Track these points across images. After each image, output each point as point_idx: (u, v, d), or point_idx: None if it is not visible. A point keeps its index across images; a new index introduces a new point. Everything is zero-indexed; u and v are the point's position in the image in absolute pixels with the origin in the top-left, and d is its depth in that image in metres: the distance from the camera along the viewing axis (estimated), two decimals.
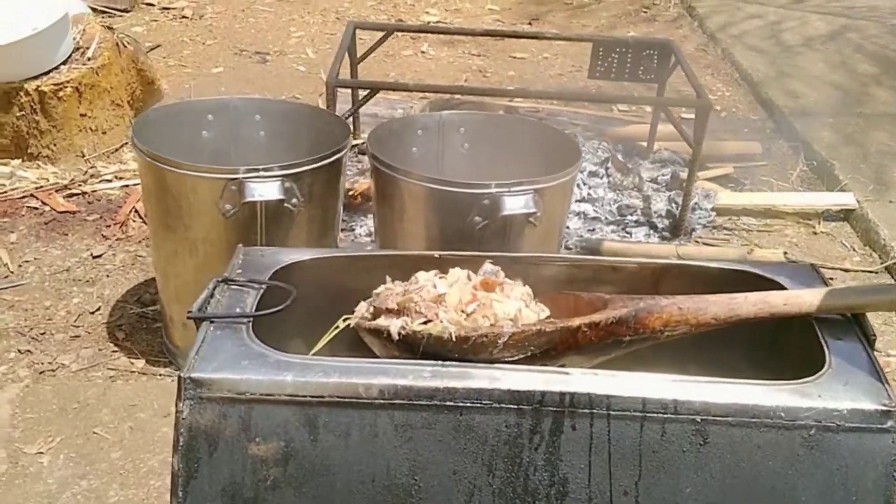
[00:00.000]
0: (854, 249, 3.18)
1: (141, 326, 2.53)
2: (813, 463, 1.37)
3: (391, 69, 4.61)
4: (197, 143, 2.46)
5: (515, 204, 2.11)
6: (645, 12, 5.88)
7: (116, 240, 2.93)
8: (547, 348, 1.48)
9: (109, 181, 3.26)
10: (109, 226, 2.99)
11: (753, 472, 1.37)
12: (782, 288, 1.65)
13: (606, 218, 3.19)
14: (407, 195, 2.21)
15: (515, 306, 1.54)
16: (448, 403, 1.37)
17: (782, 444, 1.37)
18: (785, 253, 3.02)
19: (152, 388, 2.29)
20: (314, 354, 1.56)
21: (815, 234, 3.28)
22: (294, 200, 2.14)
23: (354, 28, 3.41)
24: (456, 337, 1.43)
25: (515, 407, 1.37)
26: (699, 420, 1.37)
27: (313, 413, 1.37)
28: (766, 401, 1.37)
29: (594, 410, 1.37)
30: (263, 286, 1.59)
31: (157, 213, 2.22)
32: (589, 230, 3.12)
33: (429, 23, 5.39)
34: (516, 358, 1.46)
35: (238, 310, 1.52)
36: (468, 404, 1.37)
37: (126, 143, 3.51)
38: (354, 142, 3.15)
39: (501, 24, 5.50)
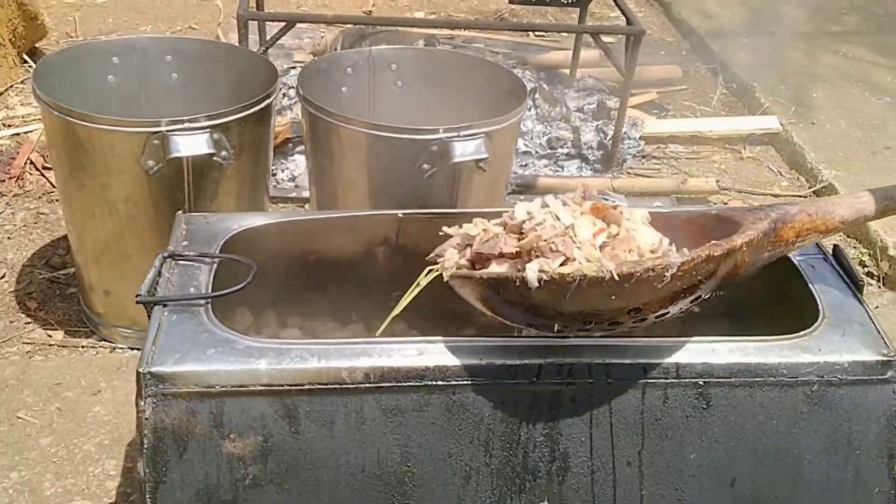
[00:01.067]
0: (781, 174, 3.19)
1: (54, 293, 2.31)
2: (816, 419, 1.33)
3: None
4: (103, 90, 2.23)
5: (466, 149, 1.98)
6: None
7: (13, 196, 2.67)
8: (706, 278, 1.26)
9: None
10: (3, 180, 2.72)
11: (757, 432, 1.32)
12: None
13: (537, 152, 3.10)
14: (346, 142, 2.05)
15: (655, 236, 1.32)
16: (439, 383, 1.27)
17: (785, 401, 1.32)
18: (717, 181, 2.99)
19: (76, 362, 2.10)
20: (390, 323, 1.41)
21: (741, 159, 3.27)
22: (223, 153, 1.95)
23: None
24: (618, 275, 1.18)
25: (511, 382, 1.28)
26: (701, 383, 1.31)
27: (293, 403, 1.24)
28: (768, 358, 1.32)
29: (594, 380, 1.29)
30: (216, 260, 1.43)
31: (68, 171, 2.00)
32: (521, 165, 3.02)
33: None
34: (681, 289, 1.24)
35: (192, 290, 1.36)
36: (461, 382, 1.27)
37: (11, 87, 3.20)
38: None
39: None
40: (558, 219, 1.27)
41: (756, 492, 1.34)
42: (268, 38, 2.91)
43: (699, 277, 1.24)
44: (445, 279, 1.33)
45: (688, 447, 1.32)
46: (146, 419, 1.22)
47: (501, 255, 1.26)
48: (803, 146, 3.20)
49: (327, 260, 1.68)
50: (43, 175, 2.75)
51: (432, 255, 1.38)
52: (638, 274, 1.18)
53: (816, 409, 1.32)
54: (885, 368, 1.33)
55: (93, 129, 1.89)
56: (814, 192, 3.04)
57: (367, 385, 1.25)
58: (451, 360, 1.27)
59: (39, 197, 2.67)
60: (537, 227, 1.27)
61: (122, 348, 2.15)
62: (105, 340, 2.17)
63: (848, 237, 2.83)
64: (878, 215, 1.46)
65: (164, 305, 1.32)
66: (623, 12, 2.97)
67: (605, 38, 3.06)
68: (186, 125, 1.89)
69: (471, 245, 1.33)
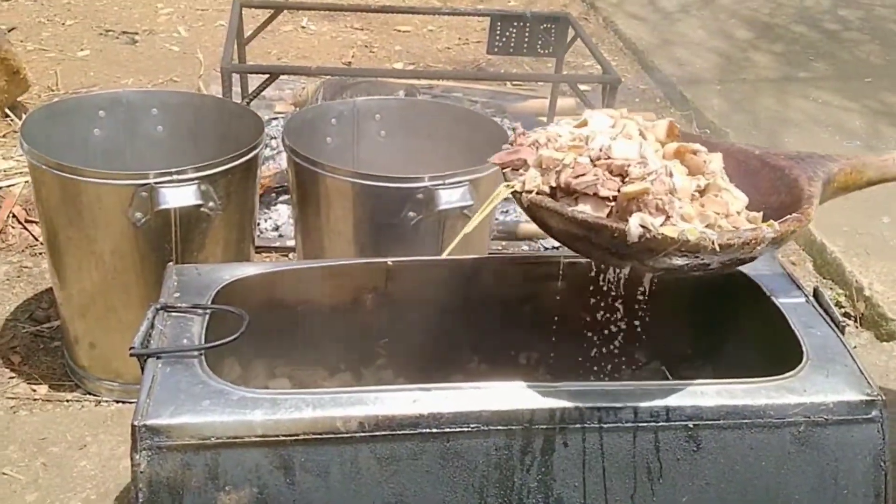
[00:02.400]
0: None
1: (38, 347, 2.30)
2: (804, 459, 1.35)
3: (272, 46, 4.39)
4: (89, 143, 2.24)
5: (451, 197, 2.02)
6: None
7: None
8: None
9: None
10: None
11: (747, 474, 1.34)
12: (744, 277, 1.62)
13: None
14: (333, 192, 2.08)
15: (742, 198, 1.34)
16: (433, 430, 1.28)
17: (773, 442, 1.34)
18: None
19: (61, 416, 2.08)
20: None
21: None
22: (211, 204, 1.97)
23: (241, 6, 3.20)
24: (719, 245, 1.19)
25: (504, 428, 1.29)
26: (691, 426, 1.33)
27: (288, 453, 1.25)
28: (755, 400, 1.34)
29: (586, 424, 1.31)
30: (208, 311, 1.44)
31: (54, 224, 2.01)
32: (502, 212, 3.05)
33: None
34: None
35: (185, 341, 1.37)
36: (454, 429, 1.28)
37: None
38: None
39: None
40: (671, 175, 1.25)
41: None
42: (250, 90, 2.94)
43: (778, 243, 1.29)
44: (523, 203, 1.31)
45: (680, 490, 1.33)
46: (141, 472, 1.22)
47: (592, 195, 1.25)
48: None
49: (316, 309, 1.69)
50: (26, 228, 2.75)
51: (500, 159, 1.38)
52: (736, 245, 1.21)
53: (804, 449, 1.35)
54: (870, 408, 1.36)
55: (80, 181, 1.90)
56: None
57: (362, 434, 1.26)
58: (445, 408, 1.28)
59: (22, 250, 2.67)
60: (647, 176, 1.24)
61: (107, 401, 2.14)
62: (90, 394, 2.16)
63: (824, 278, 2.88)
64: None
65: (158, 357, 1.32)
66: (599, 62, 3.04)
67: (582, 87, 3.12)
68: (174, 177, 1.91)
69: (553, 170, 1.30)
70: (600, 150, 1.31)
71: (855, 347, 2.51)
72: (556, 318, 1.83)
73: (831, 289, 2.81)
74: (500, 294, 1.78)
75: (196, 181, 1.93)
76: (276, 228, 2.85)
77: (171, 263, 1.58)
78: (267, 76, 2.74)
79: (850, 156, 1.55)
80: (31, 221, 2.78)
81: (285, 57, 4.31)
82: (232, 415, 1.24)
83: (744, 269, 1.64)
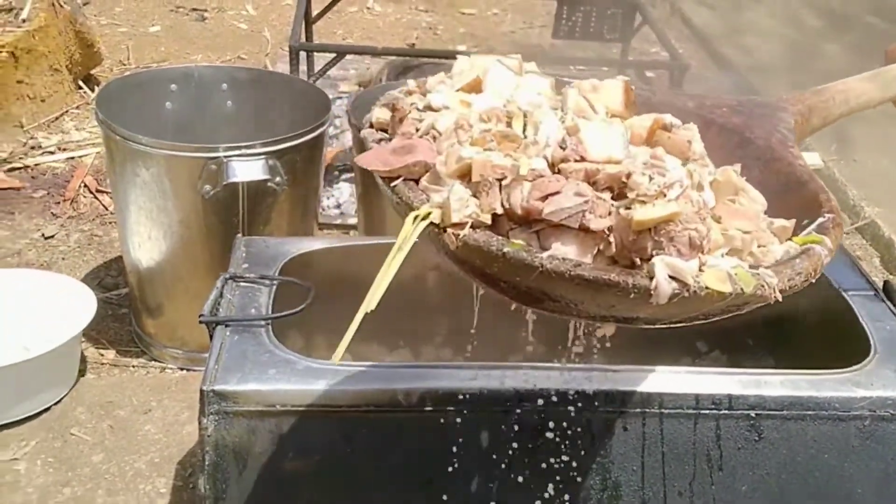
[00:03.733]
0: None
1: (106, 313, 2.36)
2: (868, 454, 1.33)
3: (338, 27, 4.43)
4: (161, 116, 2.29)
5: None
6: None
7: (68, 218, 2.73)
8: None
9: (52, 153, 3.05)
10: (59, 203, 2.79)
11: (809, 465, 1.33)
12: (827, 281, 1.60)
13: None
14: None
15: (761, 201, 0.95)
16: (494, 409, 1.29)
17: (837, 435, 1.32)
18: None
19: (127, 381, 2.14)
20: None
21: None
22: (278, 179, 2.00)
23: None
24: (780, 291, 0.84)
25: (565, 409, 1.29)
26: (754, 415, 1.31)
27: (350, 424, 1.27)
28: (820, 391, 1.32)
29: (646, 409, 1.30)
30: (275, 282, 1.46)
31: (126, 193, 2.06)
32: None
33: None
34: None
35: (253, 310, 1.40)
36: (514, 407, 1.29)
37: (66, 112, 3.28)
38: None
39: None
40: (701, 188, 0.84)
41: None
42: (316, 68, 2.97)
43: None
44: (448, 244, 0.89)
45: (739, 479, 1.32)
46: (208, 436, 1.25)
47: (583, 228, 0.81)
48: (846, 183, 3.20)
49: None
50: (96, 198, 2.82)
51: (376, 165, 0.95)
52: (797, 286, 0.86)
53: (868, 443, 1.33)
54: None
55: (152, 152, 1.95)
56: (856, 228, 3.03)
57: (422, 408, 1.27)
58: (504, 385, 1.29)
59: (93, 219, 2.74)
60: (668, 189, 0.82)
61: (171, 368, 2.19)
62: (155, 360, 2.22)
63: (891, 273, 2.82)
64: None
65: (227, 325, 1.35)
66: (666, 47, 3.01)
67: (648, 73, 3.09)
68: (243, 151, 1.94)
69: (495, 185, 0.84)
70: (562, 144, 0.89)
71: None
72: None
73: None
74: None
75: (264, 156, 1.96)
76: (338, 206, 2.88)
77: (239, 235, 1.60)
78: (333, 55, 2.76)
79: (794, 100, 1.29)
80: (102, 191, 2.85)
81: (350, 37, 4.34)
82: (297, 384, 1.26)
83: None
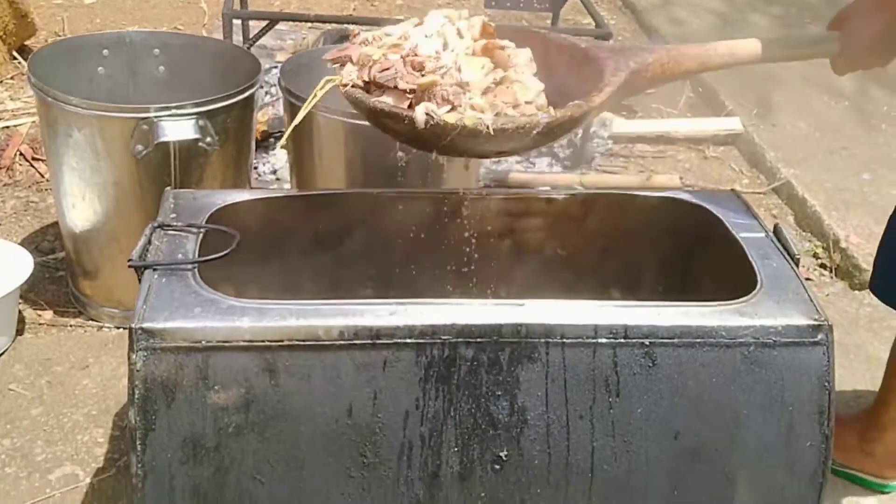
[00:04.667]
0: (742, 172, 3.33)
1: (43, 276, 2.41)
2: (753, 378, 1.45)
3: None
4: (93, 80, 2.34)
5: None
6: None
7: (3, 185, 2.76)
8: (565, 129, 1.50)
9: None
10: None
11: (699, 389, 1.44)
12: (711, 214, 1.72)
13: None
14: (325, 132, 2.17)
15: (536, 88, 1.47)
16: (408, 341, 1.38)
17: (724, 361, 1.44)
18: (680, 178, 3.13)
19: (65, 339, 2.20)
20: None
21: (705, 158, 3.41)
22: (209, 139, 2.07)
23: None
24: (493, 129, 1.37)
25: (475, 341, 1.39)
26: (647, 343, 1.42)
27: (273, 358, 1.35)
28: (708, 321, 1.43)
29: (549, 339, 1.40)
30: (202, 230, 1.54)
31: (59, 156, 2.10)
32: (494, 162, 3.14)
33: None
34: (542, 136, 1.45)
35: (180, 256, 1.47)
36: (427, 341, 1.38)
37: (1, 82, 3.29)
38: None
39: None
40: (459, 70, 1.40)
41: (697, 444, 1.45)
42: (251, 36, 3.02)
43: (559, 131, 1.47)
44: (343, 95, 1.49)
45: (635, 402, 1.43)
46: (137, 371, 1.32)
47: (396, 88, 1.39)
48: (764, 146, 3.34)
49: (306, 237, 1.79)
50: (32, 166, 2.85)
51: (331, 55, 1.53)
52: (510, 130, 1.38)
53: (753, 368, 1.44)
54: (816, 332, 1.45)
55: (85, 114, 2.00)
56: (772, 188, 3.18)
57: (342, 342, 1.36)
58: (419, 321, 1.38)
59: (29, 186, 2.77)
60: (439, 70, 1.39)
61: (108, 327, 2.25)
62: (93, 320, 2.27)
63: (804, 231, 2.98)
64: (722, 67, 1.65)
65: (154, 269, 1.42)
66: (592, 15, 3.11)
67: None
68: (174, 112, 2.00)
69: (367, 66, 1.44)
70: (410, 48, 1.45)
71: (828, 295, 2.62)
72: (532, 252, 1.93)
73: (810, 241, 2.91)
74: (480, 228, 1.88)
75: (194, 116, 2.02)
76: (274, 172, 2.94)
77: (168, 188, 1.67)
78: (267, 22, 2.81)
79: (667, 48, 1.62)
80: (38, 159, 2.87)
81: (287, 8, 4.37)
82: (222, 321, 1.34)
83: (710, 207, 1.74)
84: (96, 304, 2.27)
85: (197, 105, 2.02)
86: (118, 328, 2.24)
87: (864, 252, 2.74)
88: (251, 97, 2.16)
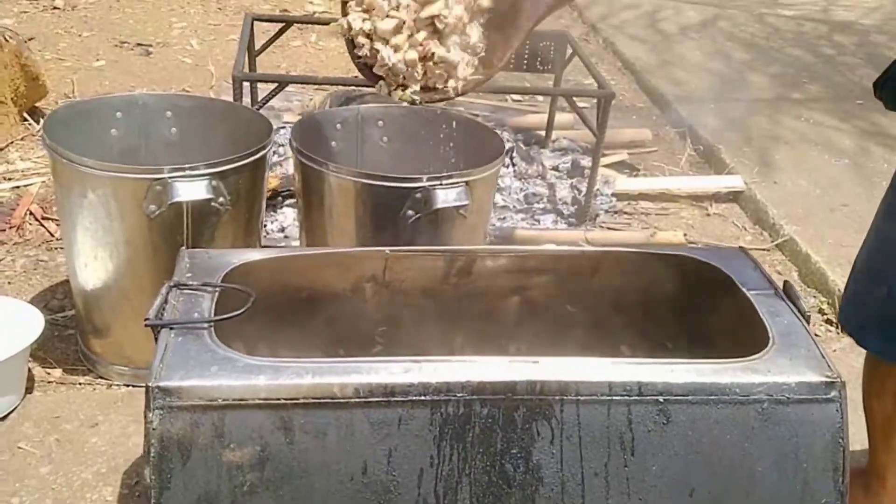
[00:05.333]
0: (745, 229, 3.36)
1: (52, 334, 2.41)
2: (766, 435, 1.45)
3: (281, 60, 4.53)
4: (106, 142, 2.37)
5: (447, 197, 2.13)
6: None
7: (14, 244, 2.78)
8: None
9: None
10: (4, 230, 2.83)
11: (713, 446, 1.44)
12: (721, 272, 1.74)
13: (515, 206, 3.25)
14: (337, 191, 2.19)
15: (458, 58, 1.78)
16: (423, 398, 1.38)
17: (738, 418, 1.44)
18: (685, 234, 3.16)
19: (74, 397, 2.19)
20: None
21: (708, 215, 3.44)
22: (221, 199, 2.09)
23: (252, 20, 3.34)
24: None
25: (490, 398, 1.39)
26: (661, 400, 1.43)
27: (288, 415, 1.36)
28: (722, 378, 1.44)
29: (564, 397, 1.41)
30: (218, 289, 1.55)
31: (73, 216, 2.12)
32: (500, 219, 3.17)
33: (314, 13, 5.33)
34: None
35: (196, 315, 1.48)
36: (442, 398, 1.39)
37: (12, 143, 3.33)
38: None
39: None
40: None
41: (713, 501, 1.45)
42: (259, 99, 3.07)
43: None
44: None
45: (650, 459, 1.43)
46: (153, 429, 1.32)
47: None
48: (766, 203, 3.37)
49: (318, 295, 1.81)
50: (42, 225, 2.87)
51: None
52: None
53: (767, 425, 1.45)
54: (829, 389, 1.46)
55: (99, 175, 2.02)
56: (776, 245, 3.20)
57: (357, 400, 1.37)
58: (434, 378, 1.39)
59: (39, 245, 2.79)
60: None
61: (118, 385, 2.25)
62: (102, 378, 2.27)
63: (808, 287, 2.99)
64: None
65: (171, 328, 1.43)
66: (594, 77, 3.17)
67: (580, 103, 3.24)
68: (187, 172, 2.02)
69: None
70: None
71: (835, 351, 2.62)
72: (542, 309, 1.94)
73: (815, 296, 2.92)
74: (490, 285, 1.89)
75: (207, 177, 2.04)
76: (282, 230, 2.97)
77: (183, 248, 1.69)
78: (276, 85, 2.87)
79: None
80: (48, 218, 2.90)
81: (294, 70, 4.45)
82: (238, 379, 1.35)
83: (719, 264, 1.76)
84: (106, 362, 2.27)
85: (210, 166, 2.05)
86: (127, 386, 2.24)
87: None
88: (263, 158, 2.19)
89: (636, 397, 1.42)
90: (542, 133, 3.73)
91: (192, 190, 2.03)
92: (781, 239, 3.20)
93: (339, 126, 2.50)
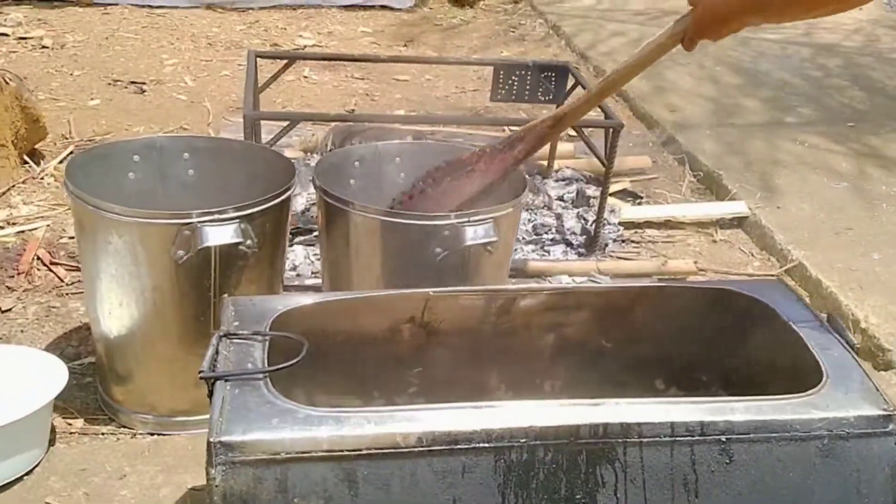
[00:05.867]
0: (753, 255, 3.38)
1: (70, 383, 2.34)
2: (828, 470, 1.45)
3: (276, 96, 4.51)
4: (123, 186, 2.34)
5: (477, 234, 2.12)
6: (513, 32, 6.03)
7: (24, 291, 2.73)
8: None
9: (2, 228, 3.04)
10: (13, 276, 2.78)
11: (776, 484, 1.44)
12: (764, 305, 1.74)
13: (524, 237, 3.25)
14: (363, 229, 2.18)
15: None
16: (486, 445, 1.37)
17: (800, 455, 1.44)
18: (695, 262, 3.16)
19: (99, 448, 2.15)
20: None
21: (714, 241, 3.45)
22: (248, 242, 2.06)
23: (256, 57, 3.33)
24: None
25: (553, 442, 1.38)
26: (724, 439, 1.42)
27: (352, 467, 1.33)
28: (782, 415, 1.44)
29: (627, 439, 1.40)
30: (267, 338, 1.53)
31: (97, 262, 2.09)
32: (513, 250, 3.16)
33: (305, 47, 5.33)
34: None
35: (249, 365, 1.46)
36: (506, 444, 1.37)
37: (13, 186, 3.29)
38: None
39: (378, 46, 5.50)
40: None
41: None
42: (263, 136, 3.05)
43: None
44: None
45: (714, 500, 1.42)
46: (216, 486, 1.30)
47: None
48: (772, 228, 3.39)
49: (355, 338, 1.79)
50: (51, 270, 2.82)
51: None
52: None
53: (828, 460, 1.44)
54: (887, 422, 1.46)
55: (126, 221, 1.99)
56: (785, 270, 3.22)
57: (420, 449, 1.35)
58: (496, 424, 1.37)
59: (49, 291, 2.74)
60: None
61: (142, 434, 2.21)
62: (125, 427, 2.23)
63: (821, 312, 3.00)
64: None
65: (226, 380, 1.41)
66: (601, 108, 3.18)
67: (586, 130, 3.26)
68: (216, 216, 2.00)
69: None
70: None
71: None
72: (577, 345, 1.93)
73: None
74: (528, 322, 1.88)
75: (237, 220, 2.02)
76: (294, 268, 2.94)
77: (225, 296, 1.67)
78: (287, 122, 2.85)
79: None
80: (56, 263, 2.86)
81: (290, 105, 4.43)
82: (300, 431, 1.32)
83: (761, 297, 1.76)
84: (128, 410, 2.23)
85: (238, 209, 2.03)
86: (152, 435, 2.20)
87: (885, 332, 2.76)
88: (287, 199, 2.17)
89: (699, 437, 1.41)
90: (544, 163, 3.73)
91: (221, 234, 2.01)
92: (790, 264, 3.21)
93: (357, 164, 2.48)
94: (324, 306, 1.71)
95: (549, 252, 3.22)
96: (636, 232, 3.46)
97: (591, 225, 3.30)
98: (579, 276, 3.04)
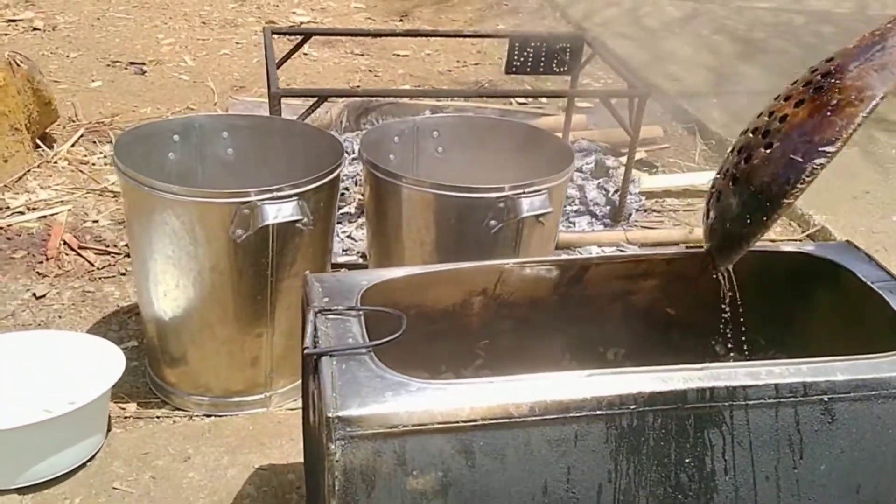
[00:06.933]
0: None
1: None
2: None
3: (280, 73, 4.45)
4: (164, 166, 2.30)
5: (532, 205, 2.12)
6: (506, 5, 6.00)
7: (55, 276, 2.68)
8: None
9: (23, 213, 2.98)
10: (42, 262, 2.74)
11: (876, 442, 1.45)
12: (839, 266, 1.75)
13: None
14: (415, 203, 2.16)
15: None
16: (598, 413, 1.37)
17: None
18: None
19: (158, 431, 2.12)
20: None
21: None
22: (304, 220, 2.04)
23: (271, 33, 3.28)
24: None
25: (662, 408, 1.38)
26: (826, 399, 1.43)
27: (468, 438, 1.33)
28: (880, 373, 1.45)
29: (733, 402, 1.41)
30: (362, 312, 1.51)
31: (151, 244, 2.06)
32: None
33: (301, 23, 5.27)
34: None
35: (350, 340, 1.44)
36: (617, 411, 1.37)
37: (29, 171, 3.22)
38: None
39: (372, 21, 5.46)
40: None
41: (878, 496, 1.47)
42: (282, 113, 3.01)
43: None
44: None
45: (818, 460, 1.44)
46: (336, 461, 1.29)
47: None
48: None
49: (426, 311, 1.77)
50: (80, 255, 2.78)
51: None
52: None
53: None
54: None
55: (183, 201, 1.96)
56: (808, 235, 3.25)
57: (534, 418, 1.34)
58: (607, 391, 1.37)
59: (81, 276, 2.70)
60: None
61: (198, 416, 2.19)
62: (179, 409, 2.21)
63: None
64: None
65: (331, 356, 1.39)
66: (623, 77, 3.19)
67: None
68: (274, 194, 1.98)
69: None
70: None
71: None
72: (641, 313, 1.94)
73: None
74: (597, 292, 1.88)
75: (294, 198, 2.00)
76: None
77: (307, 272, 1.64)
78: (315, 99, 2.82)
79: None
80: (85, 248, 2.81)
81: (294, 82, 4.38)
82: (415, 404, 1.32)
83: (834, 258, 1.78)
84: (182, 392, 2.21)
85: (294, 186, 2.00)
86: (208, 416, 2.18)
87: None
88: (338, 176, 2.15)
89: (802, 398, 1.42)
90: (559, 135, 3.73)
91: (280, 212, 1.98)
92: (813, 229, 3.24)
93: (396, 139, 2.46)
94: (407, 280, 1.70)
95: (574, 224, 3.23)
96: (657, 201, 3.47)
97: (613, 195, 3.30)
98: (608, 247, 3.05)
